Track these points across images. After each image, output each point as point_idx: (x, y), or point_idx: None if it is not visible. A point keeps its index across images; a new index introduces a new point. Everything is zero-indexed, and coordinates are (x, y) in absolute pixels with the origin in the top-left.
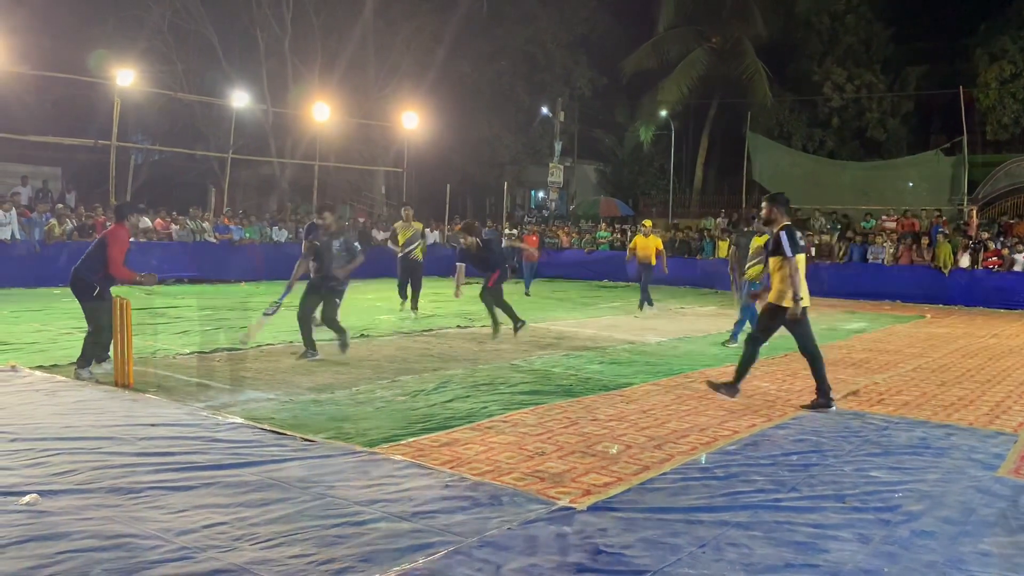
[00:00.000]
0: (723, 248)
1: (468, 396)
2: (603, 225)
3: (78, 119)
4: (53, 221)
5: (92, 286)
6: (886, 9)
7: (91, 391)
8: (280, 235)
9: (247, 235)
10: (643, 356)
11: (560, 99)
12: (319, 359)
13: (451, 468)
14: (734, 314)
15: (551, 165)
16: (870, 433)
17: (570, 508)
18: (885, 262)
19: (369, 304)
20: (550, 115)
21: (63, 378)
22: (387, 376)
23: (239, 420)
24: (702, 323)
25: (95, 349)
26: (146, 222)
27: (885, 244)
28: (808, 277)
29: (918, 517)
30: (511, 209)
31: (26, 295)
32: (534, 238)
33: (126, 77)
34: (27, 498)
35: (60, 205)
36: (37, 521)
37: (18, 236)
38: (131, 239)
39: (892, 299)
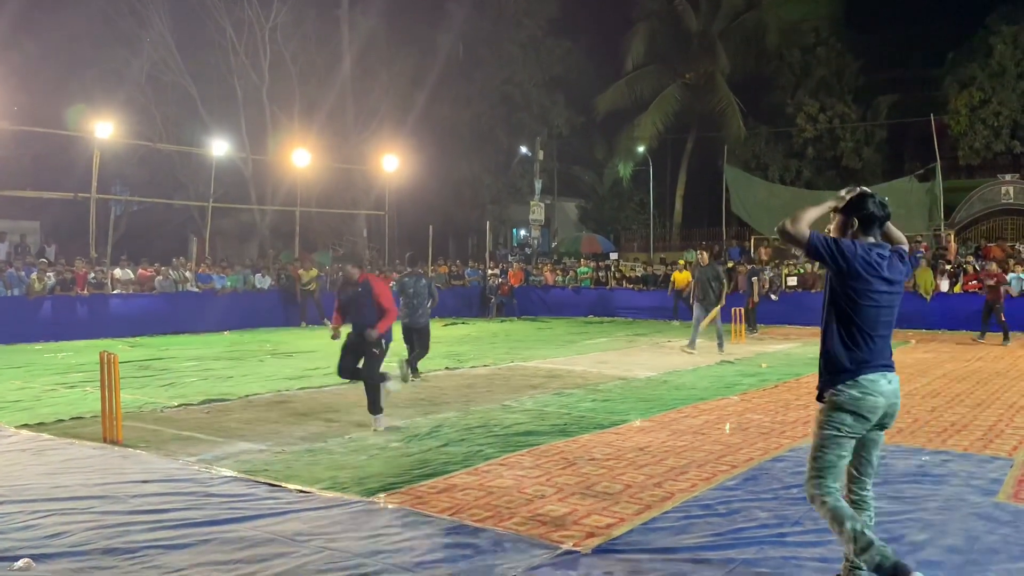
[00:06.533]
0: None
1: (463, 439)
2: (583, 262)
3: (56, 172)
4: (34, 276)
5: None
6: (855, 41)
7: (79, 449)
8: (263, 282)
9: (229, 284)
10: (634, 392)
11: (539, 138)
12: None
13: (451, 515)
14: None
15: (532, 203)
16: None
17: (574, 552)
18: None
19: None
20: (529, 154)
21: (49, 437)
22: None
23: (232, 473)
24: (688, 357)
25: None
26: (128, 274)
27: None
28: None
29: (923, 547)
30: (493, 248)
31: (7, 351)
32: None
33: (105, 129)
34: (20, 563)
35: (42, 260)
36: None
37: None
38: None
39: None
